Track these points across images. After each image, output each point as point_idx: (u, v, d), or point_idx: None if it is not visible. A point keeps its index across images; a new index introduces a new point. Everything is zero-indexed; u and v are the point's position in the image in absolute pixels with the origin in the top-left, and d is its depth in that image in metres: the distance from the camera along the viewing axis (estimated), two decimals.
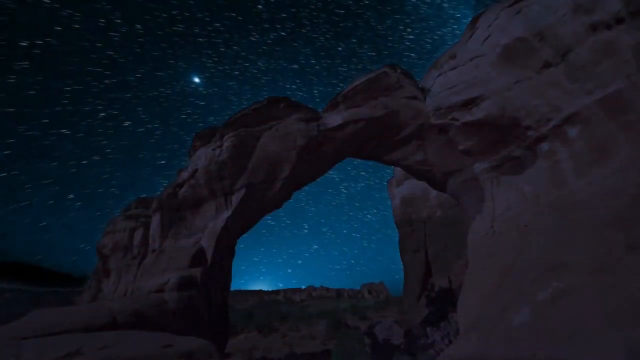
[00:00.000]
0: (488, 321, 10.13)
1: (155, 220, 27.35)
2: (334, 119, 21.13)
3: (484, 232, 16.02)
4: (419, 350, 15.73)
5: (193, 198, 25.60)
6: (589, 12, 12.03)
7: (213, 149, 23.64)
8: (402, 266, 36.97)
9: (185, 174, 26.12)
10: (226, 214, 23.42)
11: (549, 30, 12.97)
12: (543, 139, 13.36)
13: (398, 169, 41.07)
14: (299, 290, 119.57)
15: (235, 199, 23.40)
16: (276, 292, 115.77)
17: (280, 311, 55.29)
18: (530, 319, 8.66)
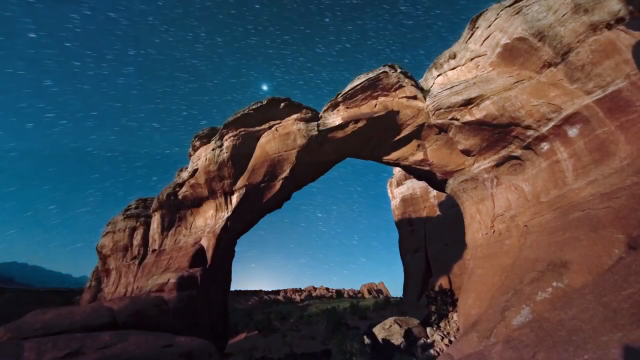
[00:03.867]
0: (488, 321, 10.13)
1: (155, 220, 27.36)
2: (334, 119, 21.11)
3: (484, 232, 16.01)
4: (419, 350, 15.74)
5: (193, 198, 25.60)
6: (589, 12, 12.03)
7: (213, 149, 23.63)
8: (402, 266, 37.00)
9: (185, 174, 26.11)
10: (226, 214, 23.42)
11: (549, 30, 12.97)
12: (543, 139, 13.36)
13: (398, 169, 41.10)
14: (299, 290, 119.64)
15: (235, 199, 23.40)
16: (276, 292, 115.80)
17: (280, 311, 55.27)
18: (530, 319, 8.67)
